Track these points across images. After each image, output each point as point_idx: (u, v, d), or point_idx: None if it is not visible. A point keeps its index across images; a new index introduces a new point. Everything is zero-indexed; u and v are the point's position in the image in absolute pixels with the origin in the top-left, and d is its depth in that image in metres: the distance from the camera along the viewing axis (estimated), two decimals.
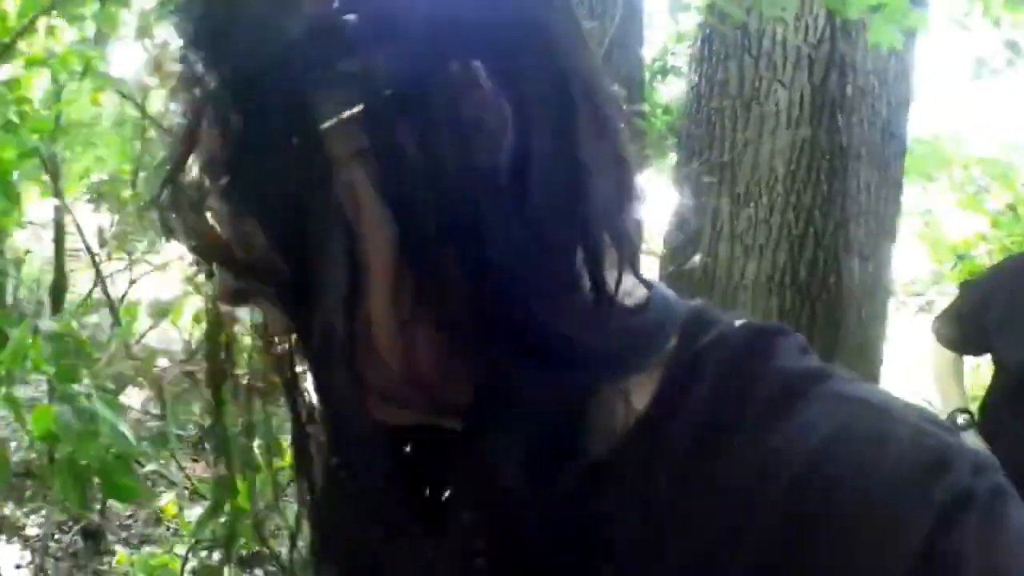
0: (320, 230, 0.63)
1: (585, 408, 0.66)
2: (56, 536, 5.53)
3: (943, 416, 3.29)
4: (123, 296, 4.68)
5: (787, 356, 0.69)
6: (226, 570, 3.39)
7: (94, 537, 5.61)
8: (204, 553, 3.63)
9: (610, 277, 0.67)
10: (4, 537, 5.44)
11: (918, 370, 7.25)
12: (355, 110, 0.62)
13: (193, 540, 3.58)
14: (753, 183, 4.04)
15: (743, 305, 3.99)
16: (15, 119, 3.03)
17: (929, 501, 0.57)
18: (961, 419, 3.29)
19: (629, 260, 0.69)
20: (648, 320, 0.70)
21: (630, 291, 0.70)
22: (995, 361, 3.33)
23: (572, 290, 0.66)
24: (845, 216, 4.04)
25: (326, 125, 0.62)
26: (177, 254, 3.65)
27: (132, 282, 4.45)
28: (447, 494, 0.78)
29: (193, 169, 0.67)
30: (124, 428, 2.12)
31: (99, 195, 4.96)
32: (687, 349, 0.69)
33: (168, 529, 6.07)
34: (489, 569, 0.67)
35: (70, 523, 5.70)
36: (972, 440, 3.20)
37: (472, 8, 0.65)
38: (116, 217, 4.75)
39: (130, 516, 6.22)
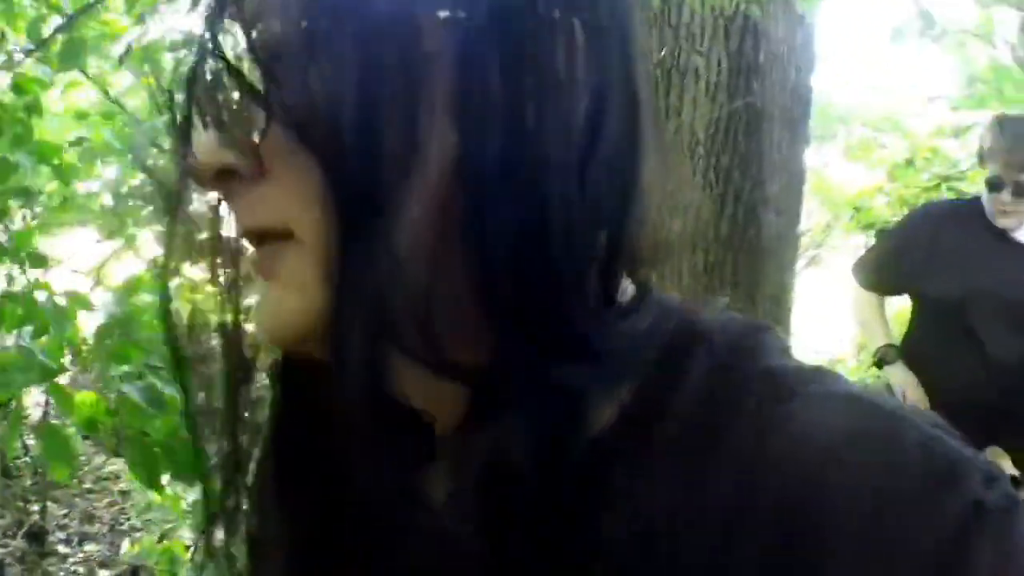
0: (390, 112, 0.58)
1: (589, 404, 0.62)
2: (2, 541, 5.51)
3: (872, 351, 3.61)
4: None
5: (773, 354, 0.68)
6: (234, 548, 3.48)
7: (37, 538, 5.63)
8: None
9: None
10: None
11: (814, 317, 7.63)
12: (457, 14, 0.60)
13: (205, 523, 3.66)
14: (676, 147, 4.19)
15: (670, 259, 4.14)
16: None
17: (941, 515, 0.56)
18: (889, 352, 3.60)
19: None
20: (643, 317, 0.68)
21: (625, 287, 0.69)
22: (918, 298, 3.64)
23: (593, 278, 0.64)
24: (761, 175, 4.24)
25: (425, 16, 0.59)
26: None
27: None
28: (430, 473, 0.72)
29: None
30: None
31: None
32: (670, 346, 0.67)
33: (106, 525, 6.12)
34: (474, 556, 0.63)
35: (14, 528, 5.68)
36: (902, 371, 3.54)
37: None
38: None
39: (65, 515, 6.23)
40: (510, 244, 0.59)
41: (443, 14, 0.60)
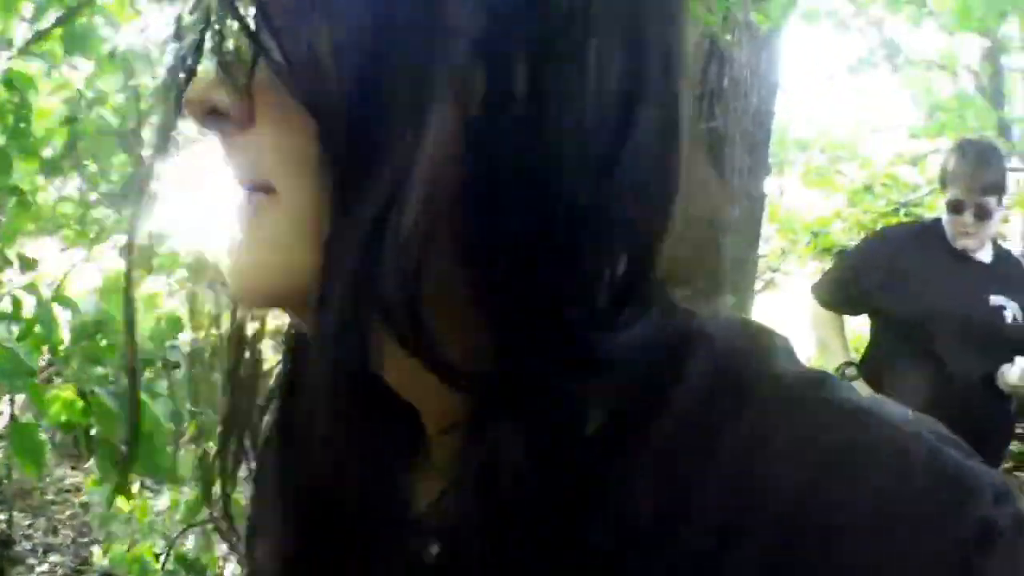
0: (398, 77, 0.55)
1: (589, 411, 0.60)
2: None
3: (831, 369, 3.69)
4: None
5: (778, 358, 0.64)
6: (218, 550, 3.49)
7: (5, 546, 5.62)
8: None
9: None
10: None
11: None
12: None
13: (186, 525, 3.66)
14: None
15: None
16: None
17: (947, 535, 0.53)
18: (849, 370, 3.69)
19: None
20: (649, 321, 0.64)
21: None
22: (877, 318, 3.73)
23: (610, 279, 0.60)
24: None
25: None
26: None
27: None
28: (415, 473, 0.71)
29: None
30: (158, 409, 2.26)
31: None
32: (671, 347, 0.63)
33: (70, 536, 6.10)
34: (470, 556, 0.62)
35: None
36: (862, 387, 3.61)
37: None
38: None
39: (30, 525, 6.21)
40: (513, 244, 0.56)
41: None
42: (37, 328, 2.60)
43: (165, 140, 0.70)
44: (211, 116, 0.62)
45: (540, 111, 0.55)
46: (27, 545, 5.86)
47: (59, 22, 3.05)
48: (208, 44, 0.63)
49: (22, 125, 3.04)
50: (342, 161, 0.56)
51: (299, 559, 0.73)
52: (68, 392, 2.54)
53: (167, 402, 2.51)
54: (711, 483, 0.58)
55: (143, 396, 2.31)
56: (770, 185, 8.05)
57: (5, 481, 5.86)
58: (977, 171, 3.39)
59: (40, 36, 3.10)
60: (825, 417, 0.57)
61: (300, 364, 0.73)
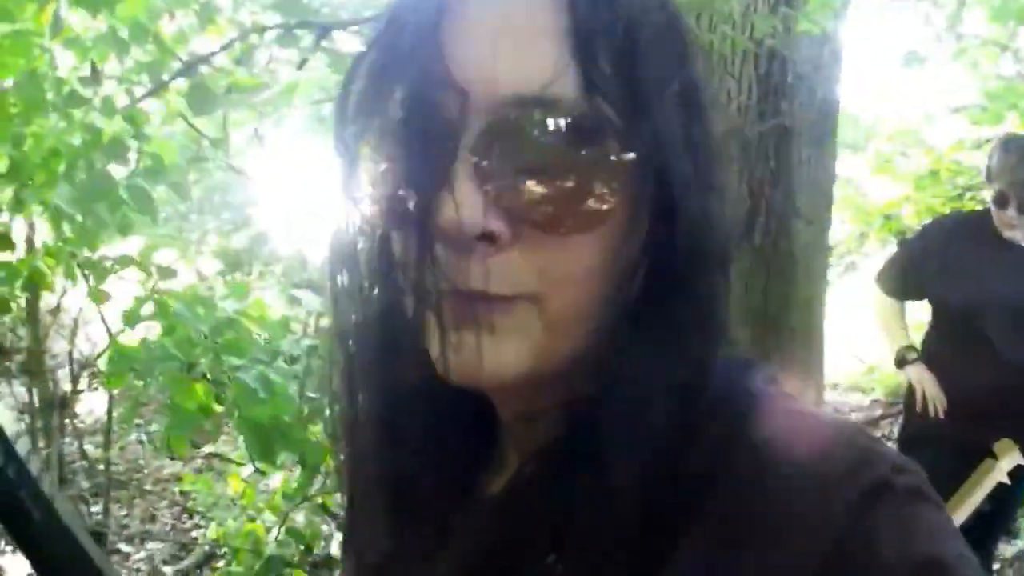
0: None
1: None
2: None
3: (893, 351, 3.84)
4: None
5: (753, 381, 0.78)
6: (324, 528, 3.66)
7: (98, 538, 5.60)
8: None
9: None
10: (11, 548, 5.29)
11: (849, 320, 7.76)
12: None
13: (299, 500, 3.87)
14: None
15: None
16: None
17: (853, 487, 0.64)
18: (909, 353, 3.83)
19: None
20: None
21: None
22: (933, 304, 3.87)
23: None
24: (791, 187, 4.49)
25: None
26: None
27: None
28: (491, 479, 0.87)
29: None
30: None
31: None
32: None
33: (167, 525, 6.30)
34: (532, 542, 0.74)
35: None
36: (919, 369, 3.77)
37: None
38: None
39: (125, 515, 6.39)
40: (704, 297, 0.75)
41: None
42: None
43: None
44: (480, 239, 0.69)
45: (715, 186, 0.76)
46: (123, 534, 6.01)
47: (178, 74, 3.32)
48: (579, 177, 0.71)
49: (148, 161, 3.35)
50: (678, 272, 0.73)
51: (392, 536, 0.87)
52: (202, 383, 2.83)
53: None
54: (692, 464, 0.71)
55: (279, 380, 2.56)
56: (844, 169, 8.12)
57: (102, 474, 6.05)
58: (1020, 166, 3.48)
59: (161, 87, 3.38)
60: (770, 416, 0.72)
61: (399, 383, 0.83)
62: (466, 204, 0.67)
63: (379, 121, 0.73)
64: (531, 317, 0.71)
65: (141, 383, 2.94)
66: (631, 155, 0.69)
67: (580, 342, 0.73)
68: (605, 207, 0.69)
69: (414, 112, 0.70)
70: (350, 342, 0.81)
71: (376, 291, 0.79)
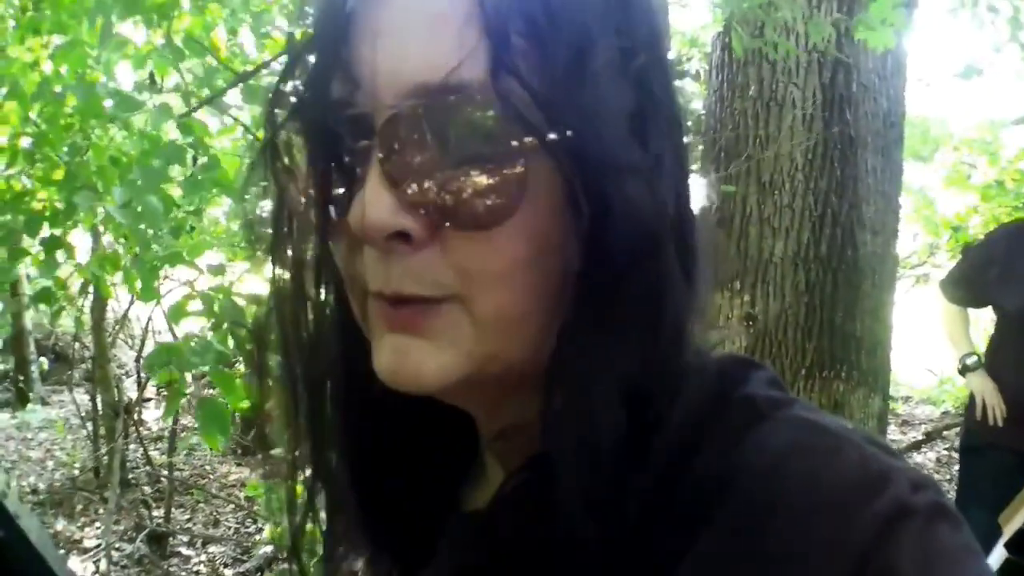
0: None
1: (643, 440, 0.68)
2: (118, 545, 5.66)
3: (957, 359, 3.84)
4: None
5: (756, 385, 0.72)
6: None
7: (159, 541, 5.81)
8: None
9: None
10: (63, 551, 5.37)
11: (921, 332, 7.71)
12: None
13: None
14: (776, 173, 4.47)
15: (773, 279, 4.42)
16: None
17: (872, 512, 0.60)
18: (971, 360, 3.83)
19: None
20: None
21: None
22: (997, 311, 3.87)
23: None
24: (857, 197, 4.48)
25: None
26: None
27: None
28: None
29: None
30: None
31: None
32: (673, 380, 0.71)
33: (231, 529, 6.38)
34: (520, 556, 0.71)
35: (131, 532, 5.88)
36: (980, 377, 3.77)
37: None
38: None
39: (188, 519, 6.48)
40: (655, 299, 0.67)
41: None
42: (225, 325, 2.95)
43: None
44: (392, 238, 0.66)
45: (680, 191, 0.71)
46: (184, 538, 6.07)
47: (234, 83, 3.38)
48: (395, 168, 0.66)
49: (205, 160, 3.40)
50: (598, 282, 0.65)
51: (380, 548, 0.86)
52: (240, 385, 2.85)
53: None
54: (692, 479, 0.67)
55: None
56: (914, 180, 8.07)
57: (164, 478, 6.16)
58: None
59: (216, 96, 3.45)
60: (781, 428, 0.67)
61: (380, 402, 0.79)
62: (373, 204, 0.65)
63: (303, 126, 0.72)
64: (459, 319, 0.67)
65: (184, 377, 2.96)
66: (546, 137, 0.63)
67: (520, 346, 0.69)
68: (514, 198, 0.64)
69: (329, 115, 0.68)
70: (308, 358, 0.78)
71: (330, 301, 0.78)
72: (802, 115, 4.48)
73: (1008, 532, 3.23)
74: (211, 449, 3.13)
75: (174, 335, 4.16)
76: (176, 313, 3.13)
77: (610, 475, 0.66)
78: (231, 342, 2.97)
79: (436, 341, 0.67)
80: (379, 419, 0.81)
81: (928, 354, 8.92)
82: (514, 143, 0.64)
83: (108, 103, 3.35)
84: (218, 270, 3.30)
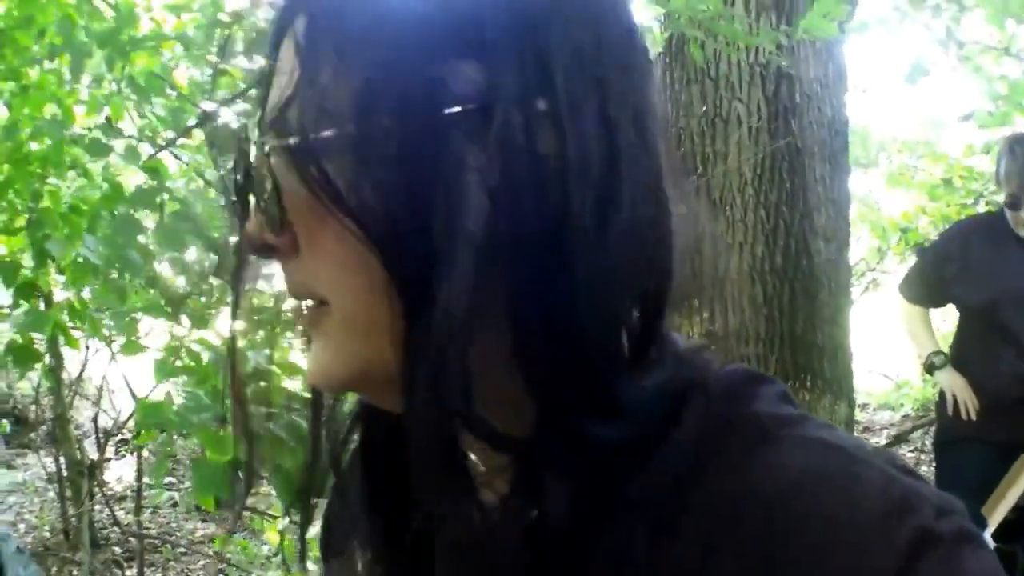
0: (424, 203, 0.62)
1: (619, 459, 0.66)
2: None
3: (923, 358, 3.87)
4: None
5: (766, 402, 0.70)
6: None
7: None
8: None
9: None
10: None
11: (874, 338, 7.76)
12: (469, 107, 0.63)
13: None
14: (726, 189, 4.48)
15: (730, 295, 4.43)
16: None
17: (895, 541, 0.57)
18: (938, 358, 3.86)
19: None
20: (664, 370, 0.70)
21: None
22: (958, 307, 3.91)
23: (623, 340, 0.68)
24: (807, 207, 4.49)
25: (448, 112, 0.63)
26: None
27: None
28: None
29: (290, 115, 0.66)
30: None
31: None
32: (673, 395, 0.69)
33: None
34: None
35: None
36: (949, 374, 3.80)
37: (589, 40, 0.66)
38: None
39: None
40: (543, 316, 0.63)
41: (467, 106, 0.63)
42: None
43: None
44: (263, 250, 0.73)
45: (546, 194, 0.63)
46: None
47: (198, 124, 3.37)
48: (251, 191, 0.71)
49: (176, 206, 3.36)
50: (406, 278, 0.63)
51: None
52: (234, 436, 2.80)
53: None
54: (698, 506, 0.64)
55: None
56: (857, 187, 8.14)
57: (134, 536, 6.09)
58: None
59: (184, 133, 3.43)
60: (793, 449, 0.64)
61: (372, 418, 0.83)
62: (252, 220, 0.72)
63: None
64: (329, 322, 0.71)
65: (172, 436, 2.93)
66: (331, 163, 0.64)
67: (382, 349, 0.67)
68: (312, 222, 0.68)
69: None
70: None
71: None
72: (748, 129, 4.49)
73: (993, 522, 3.26)
74: (202, 505, 3.08)
75: (133, 394, 4.09)
76: (161, 371, 3.06)
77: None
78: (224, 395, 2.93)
79: (319, 342, 0.72)
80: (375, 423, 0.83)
81: (882, 359, 8.99)
82: (309, 172, 0.65)
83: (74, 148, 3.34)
84: (201, 320, 3.25)
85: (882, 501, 0.59)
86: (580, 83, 0.64)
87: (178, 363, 3.05)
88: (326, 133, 0.64)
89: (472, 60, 0.63)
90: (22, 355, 3.69)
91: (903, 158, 8.71)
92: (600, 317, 0.64)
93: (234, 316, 0.83)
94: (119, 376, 4.95)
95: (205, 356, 3.02)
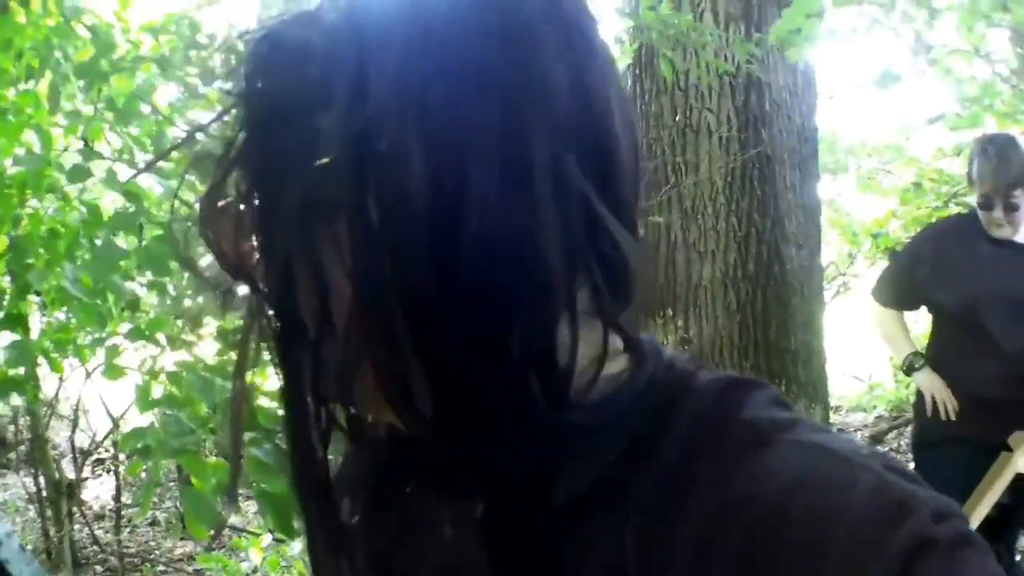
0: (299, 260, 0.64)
1: (551, 471, 0.66)
2: None
3: (901, 360, 3.89)
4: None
5: (757, 407, 0.68)
6: None
7: None
8: None
9: (591, 336, 0.65)
10: None
11: (845, 341, 7.78)
12: (322, 161, 0.61)
13: None
14: (698, 198, 4.53)
15: (704, 302, 4.47)
16: None
17: (891, 547, 0.56)
18: (917, 361, 3.87)
19: (609, 313, 0.66)
20: (628, 388, 0.69)
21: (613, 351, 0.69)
22: (933, 308, 3.92)
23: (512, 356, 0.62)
24: (779, 213, 4.56)
25: (317, 164, 0.61)
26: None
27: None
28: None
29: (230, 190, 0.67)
30: None
31: None
32: (660, 400, 0.69)
33: None
34: None
35: None
36: (927, 375, 3.82)
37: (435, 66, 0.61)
38: None
39: None
40: (454, 357, 0.61)
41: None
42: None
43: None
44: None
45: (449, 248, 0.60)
46: None
47: (177, 147, 3.37)
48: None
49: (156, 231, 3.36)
50: (286, 330, 0.67)
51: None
52: (219, 462, 2.80)
53: None
54: (692, 512, 0.63)
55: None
56: (826, 192, 8.17)
57: (114, 555, 6.08)
58: (999, 169, 3.52)
59: (165, 155, 3.43)
60: (788, 454, 0.63)
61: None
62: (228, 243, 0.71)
63: None
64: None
65: (159, 465, 2.92)
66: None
67: None
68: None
69: None
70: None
71: None
72: (719, 138, 4.55)
73: (975, 521, 3.28)
74: (192, 534, 3.06)
75: (111, 416, 4.09)
76: (144, 394, 3.05)
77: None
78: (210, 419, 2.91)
79: None
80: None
81: (853, 362, 9.02)
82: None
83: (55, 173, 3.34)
84: (181, 343, 3.24)
85: (878, 506, 0.58)
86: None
87: (159, 389, 3.05)
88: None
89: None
90: (8, 387, 3.69)
91: (872, 163, 8.75)
92: (521, 346, 0.62)
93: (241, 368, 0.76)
94: (95, 396, 4.93)
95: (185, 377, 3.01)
